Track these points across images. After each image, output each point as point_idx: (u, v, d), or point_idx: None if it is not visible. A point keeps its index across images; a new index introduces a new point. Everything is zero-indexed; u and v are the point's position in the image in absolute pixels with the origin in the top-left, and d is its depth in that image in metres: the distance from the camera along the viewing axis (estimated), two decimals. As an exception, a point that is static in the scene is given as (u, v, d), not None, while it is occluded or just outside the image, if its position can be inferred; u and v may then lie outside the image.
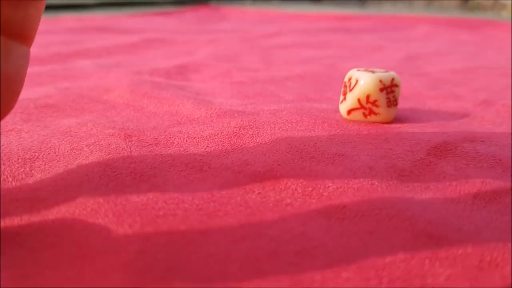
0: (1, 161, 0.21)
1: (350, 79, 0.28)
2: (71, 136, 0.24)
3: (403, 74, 0.43)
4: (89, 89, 0.33)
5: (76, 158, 0.21)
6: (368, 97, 0.27)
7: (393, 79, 0.27)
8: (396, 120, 0.29)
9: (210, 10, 1.17)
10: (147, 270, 0.14)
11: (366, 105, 0.27)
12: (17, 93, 0.15)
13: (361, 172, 0.21)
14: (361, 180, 0.20)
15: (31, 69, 0.41)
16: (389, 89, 0.27)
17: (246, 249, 0.15)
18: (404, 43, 0.67)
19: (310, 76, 0.41)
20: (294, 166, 0.21)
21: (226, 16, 1.06)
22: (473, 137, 0.25)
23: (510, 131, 0.27)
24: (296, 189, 0.19)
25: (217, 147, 0.23)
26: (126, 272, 0.13)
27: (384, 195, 0.19)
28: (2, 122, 0.26)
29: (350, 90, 0.27)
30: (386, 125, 0.27)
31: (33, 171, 0.20)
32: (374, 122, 0.28)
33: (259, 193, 0.19)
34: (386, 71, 0.28)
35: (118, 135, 0.24)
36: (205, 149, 0.23)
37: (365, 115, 0.27)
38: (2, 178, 0.19)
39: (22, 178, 0.19)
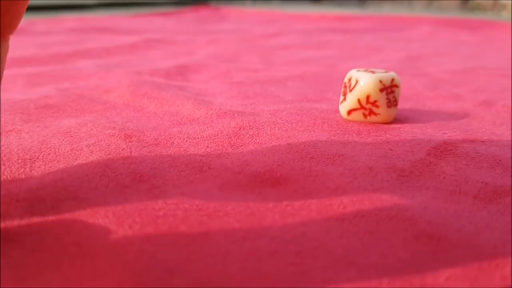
0: (1, 161, 0.21)
1: (350, 80, 0.28)
2: (71, 136, 0.24)
3: (403, 75, 0.43)
4: (89, 90, 0.33)
5: (76, 159, 0.21)
6: (368, 97, 0.27)
7: (393, 79, 0.27)
8: (396, 120, 0.29)
9: (210, 11, 1.17)
10: (147, 270, 0.14)
11: (366, 106, 0.27)
12: None
13: (361, 172, 0.21)
14: (361, 180, 0.20)
15: (31, 69, 0.41)
16: (389, 90, 0.27)
17: (246, 250, 0.15)
18: (404, 43, 0.67)
19: (310, 77, 0.41)
20: (294, 166, 0.21)
21: (226, 16, 1.06)
22: (473, 137, 0.25)
23: (510, 131, 0.27)
24: (296, 189, 0.19)
25: (217, 147, 0.23)
26: (126, 272, 0.13)
27: (384, 195, 0.19)
28: (2, 122, 0.26)
29: (350, 91, 0.27)
30: (386, 126, 0.27)
31: (33, 171, 0.20)
32: (374, 123, 0.28)
33: (259, 193, 0.19)
34: (386, 72, 0.28)
35: (118, 135, 0.24)
36: (205, 149, 0.23)
37: (365, 116, 0.27)
38: (2, 178, 0.19)
39: (22, 178, 0.19)
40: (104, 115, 0.28)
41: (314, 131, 0.26)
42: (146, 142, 0.23)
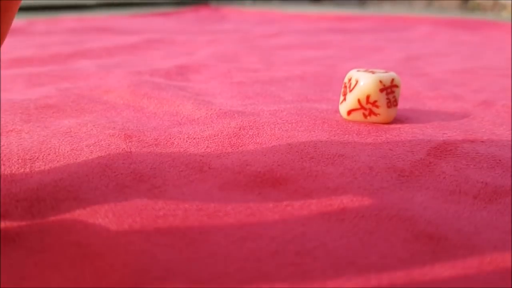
0: (1, 161, 0.21)
1: (350, 80, 0.28)
2: (71, 136, 0.24)
3: (403, 75, 0.43)
4: (89, 90, 0.33)
5: (76, 159, 0.21)
6: (368, 97, 0.27)
7: (393, 79, 0.27)
8: (396, 120, 0.29)
9: (210, 11, 1.17)
10: (147, 270, 0.14)
11: (366, 106, 0.27)
12: None
13: (361, 172, 0.21)
14: (361, 180, 0.20)
15: (31, 70, 0.41)
16: (389, 90, 0.27)
17: (246, 250, 0.15)
18: (404, 43, 0.67)
19: (310, 77, 0.41)
20: (294, 166, 0.21)
21: (226, 16, 1.06)
22: (473, 137, 0.25)
23: (510, 131, 0.27)
24: (296, 189, 0.19)
25: (217, 147, 0.23)
26: (126, 272, 0.13)
27: (384, 195, 0.19)
28: (2, 122, 0.26)
29: (350, 91, 0.27)
30: (386, 126, 0.27)
31: (33, 171, 0.20)
32: (374, 123, 0.28)
33: (259, 193, 0.19)
34: (386, 72, 0.28)
35: (118, 135, 0.24)
36: (205, 149, 0.23)
37: (365, 116, 0.27)
38: (2, 179, 0.19)
39: (22, 178, 0.19)
40: (104, 115, 0.28)
41: (314, 131, 0.26)
42: (146, 142, 0.23)
